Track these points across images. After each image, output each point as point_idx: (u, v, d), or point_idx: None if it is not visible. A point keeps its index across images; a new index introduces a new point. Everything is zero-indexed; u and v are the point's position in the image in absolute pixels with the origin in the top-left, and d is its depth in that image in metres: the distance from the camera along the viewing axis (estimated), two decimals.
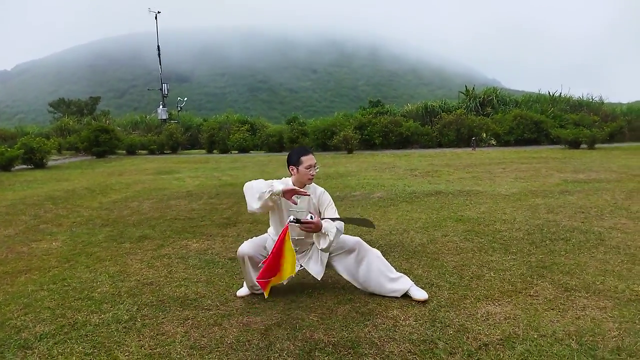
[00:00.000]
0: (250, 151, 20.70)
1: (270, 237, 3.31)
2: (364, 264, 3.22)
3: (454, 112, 20.14)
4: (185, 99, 28.07)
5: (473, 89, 24.60)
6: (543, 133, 18.11)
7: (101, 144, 19.00)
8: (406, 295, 3.14)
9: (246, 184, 3.08)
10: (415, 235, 4.80)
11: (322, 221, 3.03)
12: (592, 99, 23.50)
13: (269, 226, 3.38)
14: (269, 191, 2.96)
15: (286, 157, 3.29)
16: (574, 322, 2.73)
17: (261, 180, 3.08)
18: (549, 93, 24.35)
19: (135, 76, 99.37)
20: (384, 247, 4.36)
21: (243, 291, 3.33)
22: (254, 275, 3.14)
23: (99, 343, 2.65)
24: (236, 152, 20.63)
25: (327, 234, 2.99)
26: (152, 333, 2.76)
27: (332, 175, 10.17)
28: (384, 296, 3.18)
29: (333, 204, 3.30)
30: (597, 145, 15.33)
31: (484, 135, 18.76)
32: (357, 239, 3.31)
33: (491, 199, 6.56)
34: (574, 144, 15.33)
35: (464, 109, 21.55)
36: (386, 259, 3.79)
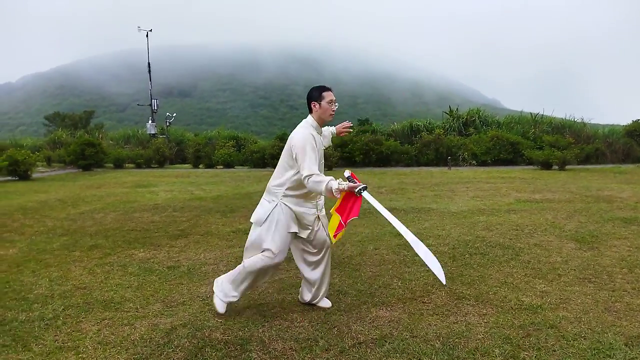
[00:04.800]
0: (236, 167, 21.06)
1: (281, 203, 3.12)
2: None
3: (434, 132, 20.62)
4: (175, 114, 28.53)
5: (457, 109, 25.14)
6: (519, 154, 18.55)
7: (87, 157, 19.37)
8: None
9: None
10: (349, 247, 5.12)
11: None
12: (575, 120, 23.97)
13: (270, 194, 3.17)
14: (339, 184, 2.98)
15: (307, 98, 3.25)
16: (450, 325, 3.04)
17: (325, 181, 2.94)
18: (531, 114, 24.87)
19: (136, 90, 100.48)
20: None
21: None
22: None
23: (18, 337, 2.95)
24: (221, 167, 20.99)
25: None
26: (68, 330, 3.06)
27: None
28: (287, 301, 3.50)
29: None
30: (568, 167, 15.76)
31: (466, 155, 19.17)
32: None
33: (438, 216, 6.89)
34: (546, 165, 15.75)
35: (445, 129, 22.05)
36: None
